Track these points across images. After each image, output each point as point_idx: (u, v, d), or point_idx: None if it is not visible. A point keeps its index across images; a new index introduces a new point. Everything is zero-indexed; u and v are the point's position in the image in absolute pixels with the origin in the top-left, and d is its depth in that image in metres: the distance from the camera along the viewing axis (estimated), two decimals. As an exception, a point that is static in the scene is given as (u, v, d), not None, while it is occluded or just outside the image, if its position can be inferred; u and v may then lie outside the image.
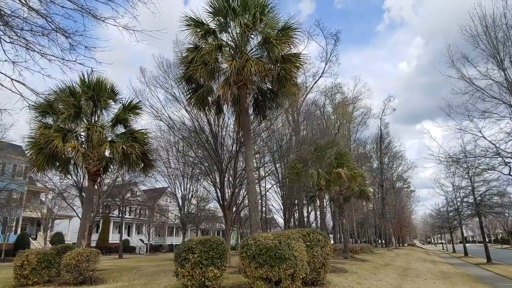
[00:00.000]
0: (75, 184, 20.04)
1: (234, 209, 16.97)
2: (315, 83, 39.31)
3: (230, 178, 16.42)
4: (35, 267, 11.63)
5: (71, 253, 11.38)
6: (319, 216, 20.60)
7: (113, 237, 51.17)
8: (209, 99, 12.05)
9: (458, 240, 77.29)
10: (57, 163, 14.56)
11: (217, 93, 10.48)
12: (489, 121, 15.79)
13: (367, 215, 56.15)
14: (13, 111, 4.93)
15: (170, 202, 51.54)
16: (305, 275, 8.43)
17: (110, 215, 47.19)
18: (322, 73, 39.14)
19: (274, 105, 12.87)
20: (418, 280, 13.66)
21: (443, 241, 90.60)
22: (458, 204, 32.64)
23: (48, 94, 4.76)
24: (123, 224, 54.67)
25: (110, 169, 16.66)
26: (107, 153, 14.24)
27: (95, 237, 50.60)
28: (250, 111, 12.76)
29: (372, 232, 60.02)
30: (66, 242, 42.46)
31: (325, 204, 34.47)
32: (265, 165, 23.69)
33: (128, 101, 14.95)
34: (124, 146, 13.32)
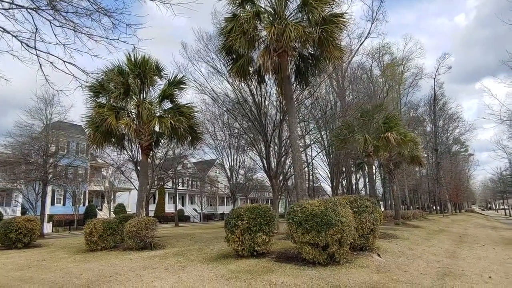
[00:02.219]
0: (131, 159, 21.39)
1: (280, 177, 17.17)
2: (360, 44, 37.26)
3: (276, 147, 16.51)
4: (102, 234, 12.83)
5: (132, 221, 12.38)
6: (368, 183, 20.15)
7: (169, 207, 54.38)
8: (250, 69, 11.98)
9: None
10: (113, 140, 15.61)
11: (257, 62, 10.34)
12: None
13: (420, 181, 53.98)
14: (68, 91, 5.29)
15: (219, 173, 53.46)
16: (353, 241, 8.41)
17: (164, 187, 50.06)
18: (368, 33, 36.87)
19: (316, 71, 12.51)
20: (476, 246, 13.08)
21: (506, 207, 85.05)
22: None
23: (97, 73, 5.02)
24: (177, 195, 57.90)
25: (161, 143, 17.44)
26: (156, 128, 14.96)
27: (152, 207, 54.32)
28: (292, 78, 12.52)
29: (426, 198, 57.82)
30: (127, 212, 46.13)
31: (374, 170, 33.68)
32: (310, 133, 23.39)
33: (173, 76, 15.39)
34: (172, 121, 13.86)
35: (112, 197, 45.21)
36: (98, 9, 4.65)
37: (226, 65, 12.84)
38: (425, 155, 58.23)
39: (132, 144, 17.36)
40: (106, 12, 4.86)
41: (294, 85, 13.10)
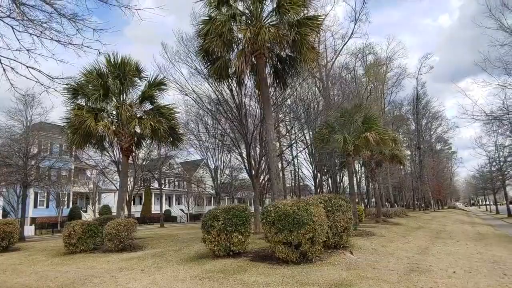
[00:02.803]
0: (113, 160, 21.24)
1: (262, 177, 17.36)
2: (344, 44, 37.87)
3: (257, 147, 16.68)
4: (81, 237, 12.76)
5: (111, 223, 12.37)
6: (348, 181, 20.51)
7: (155, 208, 54.02)
8: (229, 70, 12.09)
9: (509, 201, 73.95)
10: (93, 141, 15.52)
11: (233, 65, 10.45)
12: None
13: (404, 179, 54.98)
14: (38, 94, 5.32)
15: (206, 173, 53.40)
16: (326, 239, 8.64)
17: (151, 187, 49.80)
18: (352, 34, 37.55)
19: (293, 72, 12.70)
20: (450, 241, 13.50)
21: (488, 203, 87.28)
22: (501, 163, 31.05)
23: (63, 78, 5.02)
24: (163, 196, 57.53)
25: (142, 145, 17.39)
26: (137, 129, 14.95)
27: (139, 208, 54.02)
28: (270, 79, 12.70)
29: (411, 196, 58.89)
30: (113, 213, 45.64)
31: (356, 169, 34.19)
32: (294, 132, 23.65)
33: (153, 77, 15.38)
34: (151, 122, 13.88)
35: (97, 198, 44.74)
36: (60, 14, 4.71)
37: (204, 67, 12.91)
38: (409, 153, 59.41)
39: (113, 145, 17.25)
40: (72, 18, 4.92)
41: (273, 86, 13.28)
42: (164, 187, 58.20)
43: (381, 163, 25.66)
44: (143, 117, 14.48)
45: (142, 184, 50.65)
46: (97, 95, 13.51)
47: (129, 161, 21.84)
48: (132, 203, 58.09)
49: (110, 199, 49.56)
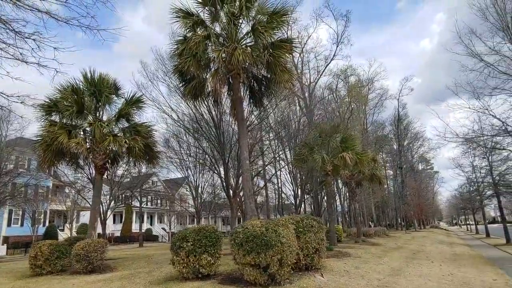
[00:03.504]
0: (88, 178, 20.75)
1: (239, 197, 17.22)
2: (326, 66, 38.79)
3: (236, 167, 16.60)
4: (48, 257, 12.27)
5: (80, 243, 11.96)
6: (326, 201, 20.49)
7: (136, 227, 52.76)
8: (205, 90, 12.13)
9: (487, 221, 75.16)
10: (67, 158, 15.19)
11: (207, 85, 10.50)
12: (498, 98, 15.17)
13: (387, 198, 55.43)
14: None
15: (188, 191, 52.64)
16: (296, 261, 8.54)
17: (132, 205, 48.78)
18: (334, 55, 38.49)
19: (269, 93, 12.83)
20: (425, 262, 13.53)
21: (469, 223, 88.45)
22: (479, 184, 31.68)
23: (19, 96, 4.92)
24: (145, 214, 56.43)
25: (118, 162, 17.09)
26: (113, 147, 14.70)
27: (119, 227, 52.71)
28: (246, 99, 12.81)
29: (394, 215, 59.29)
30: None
31: (335, 189, 34.31)
32: (273, 150, 23.68)
33: (131, 95, 15.28)
34: (127, 140, 13.71)
35: (75, 216, 43.42)
36: (15, 31, 4.66)
37: (179, 86, 12.89)
38: (391, 173, 60.17)
39: (89, 163, 16.92)
40: (27, 36, 4.87)
41: (250, 106, 13.36)
42: (146, 205, 57.22)
43: (361, 182, 25.83)
44: (119, 134, 14.30)
45: (123, 202, 49.79)
46: (70, 111, 13.30)
47: (105, 177, 21.50)
48: (112, 221, 56.81)
49: (89, 218, 48.22)
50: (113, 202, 45.35)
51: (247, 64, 10.90)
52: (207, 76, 11.22)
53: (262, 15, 11.36)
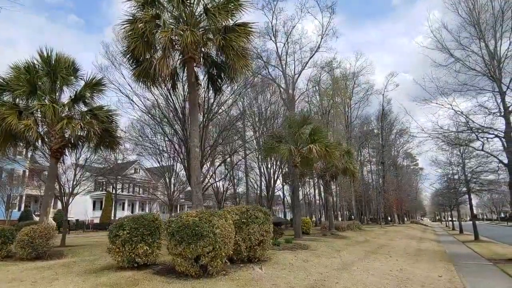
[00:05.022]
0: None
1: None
2: (310, 57, 38.18)
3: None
4: (-8, 243, 11.82)
5: (25, 229, 11.53)
6: (292, 193, 20.26)
7: (118, 214, 52.36)
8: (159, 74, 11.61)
9: (468, 218, 76.37)
10: (22, 143, 14.64)
11: (154, 67, 10.01)
12: (466, 94, 15.02)
13: (366, 192, 55.75)
14: None
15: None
16: (232, 252, 8.27)
17: (112, 193, 48.20)
18: (318, 47, 37.85)
19: (227, 79, 12.41)
20: (382, 257, 13.44)
21: (451, 218, 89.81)
22: (454, 180, 31.85)
23: None
24: (125, 201, 55.97)
25: (79, 147, 16.52)
26: (68, 131, 14.16)
27: (98, 213, 52.13)
28: (204, 84, 12.40)
29: (374, 210, 59.80)
30: (69, 218, 43.86)
31: (311, 181, 34.21)
32: (248, 141, 23.35)
33: (90, 77, 14.74)
34: (81, 123, 13.21)
35: (52, 202, 42.72)
36: None
37: (131, 69, 12.38)
38: (374, 168, 60.46)
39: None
40: None
41: (208, 92, 12.93)
42: (127, 192, 56.68)
43: (336, 176, 25.70)
44: (74, 117, 13.77)
45: (103, 189, 49.18)
46: (21, 91, 12.74)
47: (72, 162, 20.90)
48: (92, 207, 56.26)
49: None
50: (93, 188, 44.89)
51: (200, 47, 10.46)
52: (153, 59, 10.71)
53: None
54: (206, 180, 19.15)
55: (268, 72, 35.83)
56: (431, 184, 57.61)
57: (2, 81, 13.28)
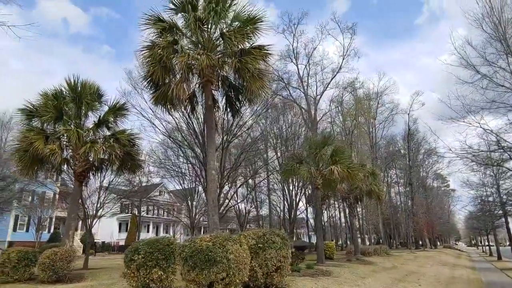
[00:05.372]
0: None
1: (222, 208, 16.74)
2: (332, 78, 38.06)
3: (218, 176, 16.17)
4: (15, 265, 12.02)
5: (47, 252, 11.69)
6: (315, 216, 19.60)
7: (142, 236, 52.80)
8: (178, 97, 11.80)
9: (507, 243, 71.46)
10: (49, 165, 15.12)
11: (171, 91, 10.19)
12: (495, 112, 14.31)
13: (395, 215, 53.55)
14: None
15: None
16: (247, 279, 7.98)
17: (137, 214, 48.86)
18: (339, 68, 37.76)
19: (244, 101, 12.44)
20: (410, 286, 12.65)
21: (488, 243, 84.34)
22: (489, 203, 30.13)
23: None
24: (150, 223, 56.46)
25: (103, 170, 16.88)
26: (92, 154, 14.53)
27: (124, 235, 52.80)
28: (223, 106, 12.52)
29: (404, 234, 57.17)
30: (96, 240, 44.78)
31: (335, 204, 33.24)
32: (269, 162, 23.13)
33: (114, 103, 15.22)
34: (104, 147, 13.55)
35: (80, 224, 43.69)
36: None
37: (150, 94, 12.68)
38: (400, 190, 58.29)
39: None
40: None
41: (226, 114, 12.99)
42: (152, 214, 57.31)
43: (361, 198, 24.88)
44: (97, 142, 14.13)
45: (129, 211, 49.98)
46: (48, 117, 13.27)
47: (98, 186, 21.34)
48: (118, 230, 57.06)
49: (95, 225, 48.54)
50: (118, 210, 45.56)
51: (216, 70, 10.59)
52: (172, 83, 10.90)
53: (238, 21, 11.09)
54: (227, 202, 18.99)
55: (290, 93, 35.98)
56: (463, 206, 54.77)
57: (31, 107, 13.92)
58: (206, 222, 46.57)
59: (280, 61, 36.48)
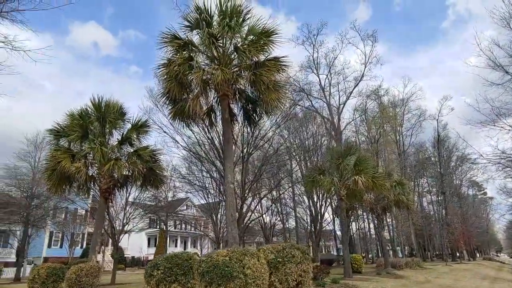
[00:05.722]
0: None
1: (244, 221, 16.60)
2: (355, 87, 37.44)
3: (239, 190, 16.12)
4: (44, 281, 12.42)
5: (73, 268, 11.99)
6: (341, 228, 18.96)
7: (170, 250, 53.29)
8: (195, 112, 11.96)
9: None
10: (76, 183, 15.62)
11: (187, 107, 10.33)
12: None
13: (432, 226, 51.24)
14: None
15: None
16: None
17: (164, 230, 49.51)
18: (362, 76, 37.15)
19: (262, 113, 12.41)
20: (443, 301, 11.89)
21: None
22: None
23: None
24: (178, 238, 57.00)
25: (128, 187, 17.27)
26: (116, 171, 14.89)
27: (152, 250, 53.55)
28: (240, 119, 12.56)
29: (439, 245, 54.48)
30: (125, 255, 45.68)
31: (363, 214, 32.21)
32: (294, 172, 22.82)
33: (136, 120, 15.63)
34: (127, 164, 13.88)
35: (110, 239, 44.79)
36: None
37: (167, 110, 12.93)
38: (433, 199, 55.82)
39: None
40: None
41: (245, 127, 13.01)
42: (179, 229, 57.89)
43: (389, 208, 24.02)
44: (121, 159, 14.49)
45: (157, 226, 50.78)
46: (73, 136, 13.77)
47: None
48: (147, 245, 57.96)
49: (124, 240, 49.61)
50: (147, 225, 46.43)
51: (231, 84, 10.65)
52: (189, 99, 11.04)
53: (252, 35, 11.18)
54: (249, 214, 18.83)
55: (311, 104, 35.71)
56: (501, 215, 51.54)
57: (59, 127, 14.52)
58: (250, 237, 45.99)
59: (301, 72, 36.44)
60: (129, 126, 15.64)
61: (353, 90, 37.66)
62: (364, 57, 37.18)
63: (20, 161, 24.35)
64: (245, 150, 15.61)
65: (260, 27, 11.07)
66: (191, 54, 10.77)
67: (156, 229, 50.55)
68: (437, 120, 50.98)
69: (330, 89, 37.72)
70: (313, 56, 37.14)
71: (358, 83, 37.38)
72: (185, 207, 55.83)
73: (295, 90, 33.73)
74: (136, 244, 53.02)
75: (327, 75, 37.56)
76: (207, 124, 13.68)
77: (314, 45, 36.80)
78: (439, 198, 51.08)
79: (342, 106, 37.63)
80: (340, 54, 42.92)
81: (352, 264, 18.72)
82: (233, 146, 11.24)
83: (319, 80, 37.37)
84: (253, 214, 19.73)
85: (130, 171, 14.11)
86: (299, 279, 8.75)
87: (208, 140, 15.86)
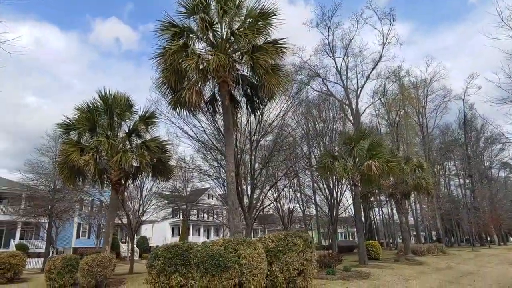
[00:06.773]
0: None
1: (255, 210, 16.41)
2: (372, 69, 36.24)
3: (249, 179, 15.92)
4: (60, 271, 12.73)
5: (86, 258, 12.24)
6: (355, 213, 18.32)
7: (193, 239, 54.33)
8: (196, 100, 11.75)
9: None
10: (89, 176, 15.88)
11: (182, 96, 10.12)
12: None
13: (460, 210, 49.37)
14: None
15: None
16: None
17: (187, 219, 50.42)
18: (380, 58, 35.85)
19: (263, 98, 12.04)
20: (461, 289, 11.34)
21: None
22: None
23: None
24: (201, 227, 57.93)
25: (138, 177, 17.38)
26: (124, 163, 14.99)
27: (176, 239, 54.74)
28: (243, 106, 12.27)
29: (467, 230, 52.55)
30: (150, 244, 46.82)
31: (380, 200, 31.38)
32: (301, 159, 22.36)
33: (144, 111, 15.63)
34: (134, 155, 13.94)
35: (136, 229, 46.02)
36: None
37: (167, 99, 12.76)
38: (461, 183, 53.71)
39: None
40: None
41: (247, 113, 12.71)
42: (202, 218, 58.77)
43: (408, 193, 23.19)
44: (130, 151, 14.56)
45: (180, 216, 51.78)
46: (82, 129, 13.92)
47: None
48: (171, 234, 59.25)
49: (149, 230, 50.93)
50: (170, 215, 47.34)
51: (228, 70, 10.32)
52: (185, 87, 10.80)
53: (250, 18, 10.77)
54: (261, 203, 18.62)
55: (327, 88, 34.84)
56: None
57: (68, 121, 14.72)
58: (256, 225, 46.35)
59: (316, 55, 35.53)
60: (137, 118, 15.70)
61: (371, 72, 36.47)
62: (382, 38, 35.84)
63: (43, 156, 25.13)
64: (253, 138, 15.33)
65: (257, 9, 10.64)
66: (186, 42, 10.50)
67: (179, 219, 51.52)
68: (463, 99, 48.80)
69: (347, 73, 36.67)
70: (328, 39, 36.14)
71: (376, 64, 36.15)
72: (206, 197, 56.56)
73: (310, 75, 32.97)
74: (160, 233, 54.22)
75: (343, 58, 36.51)
76: (211, 111, 13.47)
77: (329, 27, 35.79)
78: (467, 182, 49.09)
79: (360, 89, 36.58)
80: (356, 36, 41.37)
81: (370, 250, 18.26)
82: (233, 134, 10.97)
83: (335, 63, 36.38)
84: (267, 201, 19.49)
85: (139, 162, 14.14)
86: (301, 268, 8.48)
87: (215, 128, 15.69)
